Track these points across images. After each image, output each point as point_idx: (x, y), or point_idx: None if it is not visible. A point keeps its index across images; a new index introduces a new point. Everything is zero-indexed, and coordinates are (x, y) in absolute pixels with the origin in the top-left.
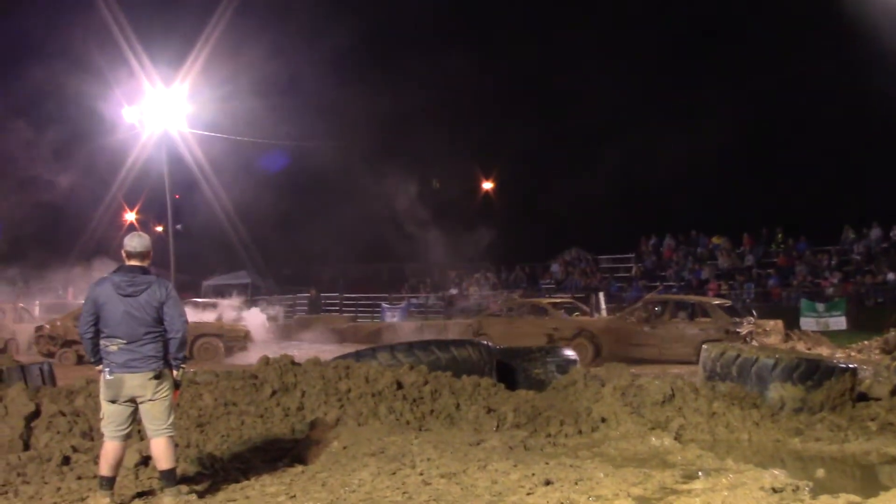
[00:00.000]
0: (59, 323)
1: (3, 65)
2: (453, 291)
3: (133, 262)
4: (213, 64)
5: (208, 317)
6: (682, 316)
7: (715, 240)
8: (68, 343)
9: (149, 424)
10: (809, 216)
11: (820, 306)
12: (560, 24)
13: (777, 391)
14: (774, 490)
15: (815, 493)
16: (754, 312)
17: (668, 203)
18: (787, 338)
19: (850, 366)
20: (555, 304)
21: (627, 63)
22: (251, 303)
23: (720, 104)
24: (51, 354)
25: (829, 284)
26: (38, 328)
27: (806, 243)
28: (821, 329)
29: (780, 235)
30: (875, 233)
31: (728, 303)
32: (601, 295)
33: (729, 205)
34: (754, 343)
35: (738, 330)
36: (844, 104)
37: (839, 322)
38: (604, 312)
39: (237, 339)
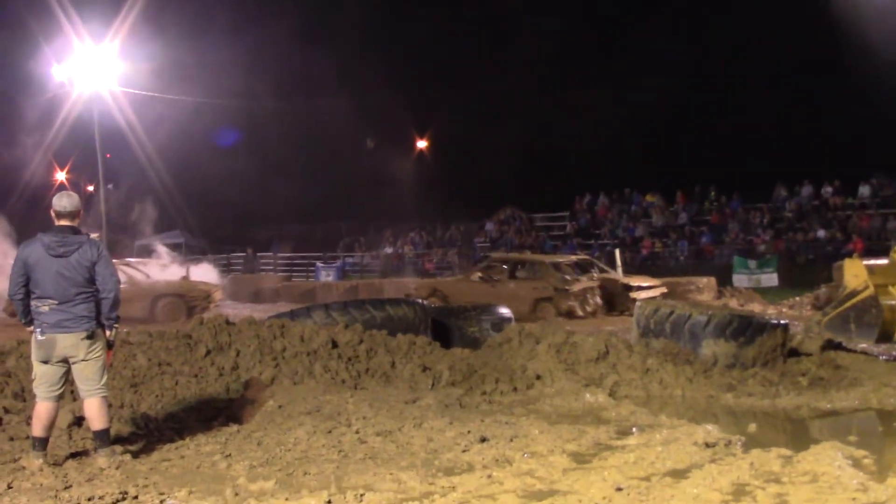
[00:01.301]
0: None
1: None
2: (388, 250)
3: (63, 223)
4: (144, 21)
5: (166, 275)
6: (522, 274)
7: (649, 198)
8: None
9: (81, 385)
10: (742, 174)
11: (752, 263)
12: None
13: (710, 347)
14: (707, 445)
15: (747, 448)
16: (597, 271)
17: (602, 161)
18: (719, 294)
19: (782, 322)
20: (572, 262)
21: (560, 18)
22: (187, 262)
23: (654, 60)
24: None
25: (761, 241)
26: None
27: (739, 201)
28: (753, 286)
29: (713, 193)
30: (806, 190)
31: (572, 259)
32: (618, 252)
33: (662, 163)
34: (594, 298)
35: (566, 288)
36: (777, 60)
37: (771, 279)
38: (620, 270)
39: (199, 298)
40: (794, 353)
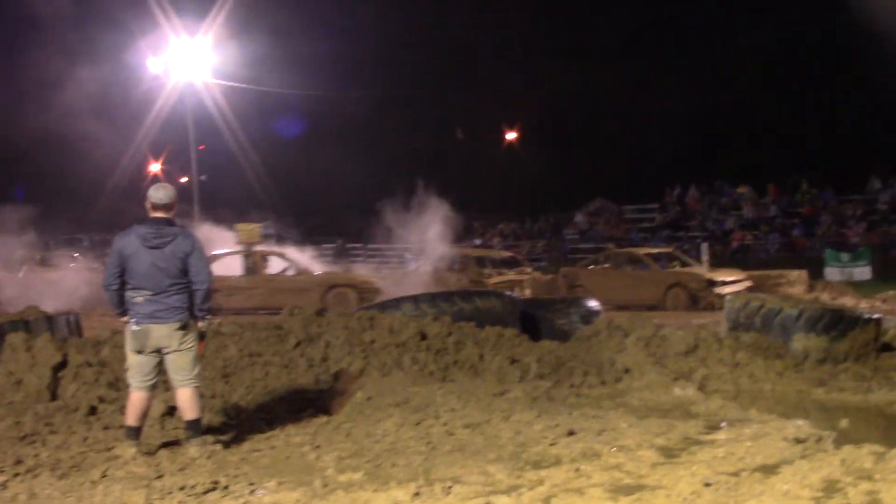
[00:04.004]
0: None
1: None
2: (477, 241)
3: (158, 214)
4: (239, 15)
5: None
6: (458, 267)
7: (740, 189)
8: None
9: (174, 375)
10: (835, 165)
11: (844, 256)
12: None
13: (801, 342)
14: (798, 440)
15: (838, 444)
16: (529, 266)
17: (693, 152)
18: (811, 288)
19: (875, 316)
20: (652, 255)
21: (651, 15)
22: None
23: (745, 52)
24: None
25: (853, 234)
26: None
27: (831, 193)
28: (845, 279)
29: (805, 185)
30: None
31: (507, 254)
32: (705, 245)
33: (754, 154)
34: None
35: (482, 280)
36: (874, 55)
37: (864, 272)
38: (705, 264)
39: (369, 290)
40: (888, 347)
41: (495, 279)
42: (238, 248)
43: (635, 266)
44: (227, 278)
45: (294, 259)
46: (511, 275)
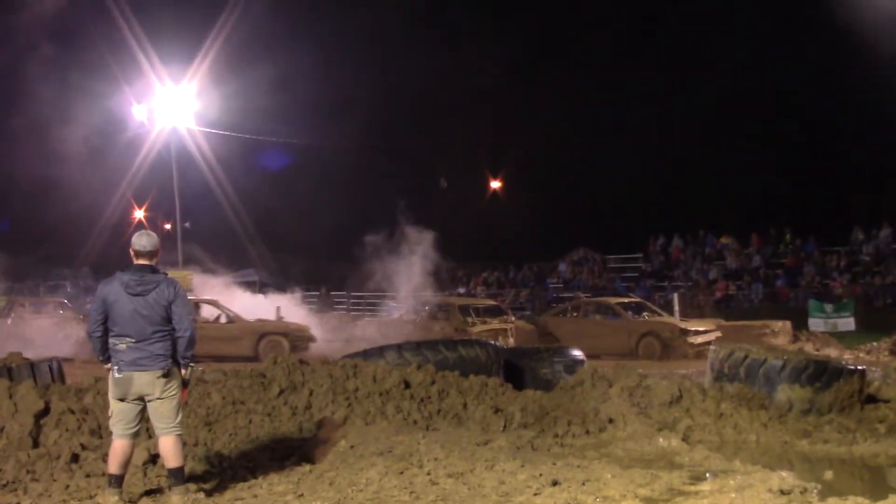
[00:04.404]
0: None
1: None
2: (461, 290)
3: (142, 261)
4: (221, 62)
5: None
6: (442, 316)
7: (723, 239)
8: None
9: (157, 423)
10: (818, 216)
11: (828, 307)
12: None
13: (785, 392)
14: (783, 492)
15: (823, 496)
16: (512, 315)
17: (676, 203)
18: (795, 338)
19: (859, 367)
20: (623, 304)
21: (632, 60)
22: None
23: (728, 101)
24: None
25: (837, 285)
26: None
27: (815, 244)
28: (829, 330)
29: (788, 236)
30: (885, 233)
31: (491, 303)
32: (676, 295)
33: (737, 205)
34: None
35: (466, 328)
36: (854, 104)
37: (848, 323)
38: (677, 315)
39: (301, 338)
40: (872, 399)
41: (479, 327)
42: None
43: (605, 315)
44: None
45: (225, 308)
46: (495, 323)
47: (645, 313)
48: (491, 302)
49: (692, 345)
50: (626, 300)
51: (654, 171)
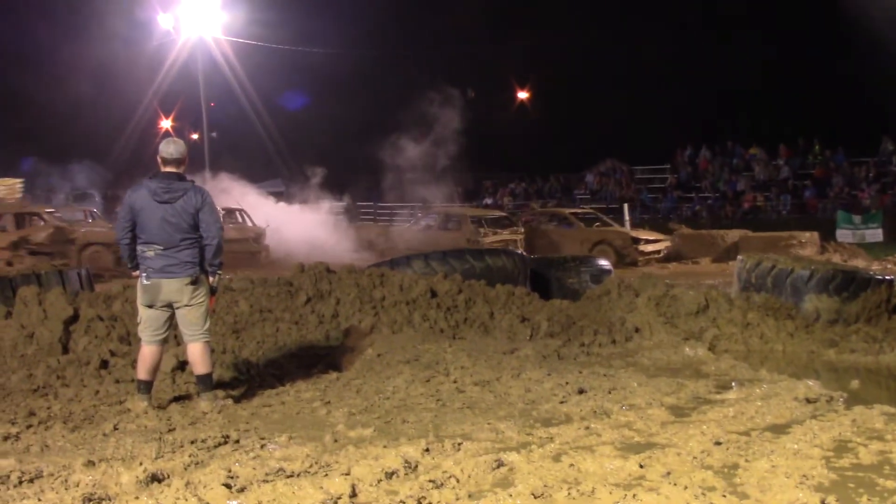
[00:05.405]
0: None
1: None
2: (487, 201)
3: (169, 169)
4: None
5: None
6: (453, 226)
7: (751, 151)
8: None
9: (185, 330)
10: (847, 127)
11: (856, 218)
12: None
13: (812, 302)
14: (808, 400)
15: (849, 404)
16: (520, 225)
17: (705, 114)
18: (822, 250)
19: (887, 277)
20: (576, 214)
21: None
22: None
23: (763, 14)
24: None
25: (866, 196)
26: None
27: (843, 155)
28: (857, 241)
29: (817, 147)
30: None
31: (500, 213)
32: (626, 206)
33: (766, 115)
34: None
35: (477, 238)
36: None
37: (876, 234)
38: (627, 225)
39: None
40: None
41: (490, 238)
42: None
43: (560, 224)
44: None
45: (50, 218)
46: (505, 234)
47: (597, 224)
48: (500, 213)
49: (643, 252)
50: (579, 211)
51: (683, 83)
